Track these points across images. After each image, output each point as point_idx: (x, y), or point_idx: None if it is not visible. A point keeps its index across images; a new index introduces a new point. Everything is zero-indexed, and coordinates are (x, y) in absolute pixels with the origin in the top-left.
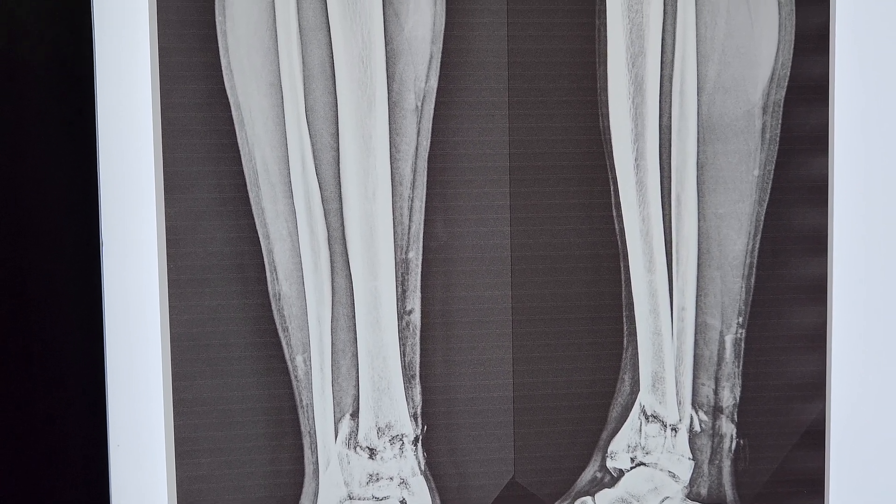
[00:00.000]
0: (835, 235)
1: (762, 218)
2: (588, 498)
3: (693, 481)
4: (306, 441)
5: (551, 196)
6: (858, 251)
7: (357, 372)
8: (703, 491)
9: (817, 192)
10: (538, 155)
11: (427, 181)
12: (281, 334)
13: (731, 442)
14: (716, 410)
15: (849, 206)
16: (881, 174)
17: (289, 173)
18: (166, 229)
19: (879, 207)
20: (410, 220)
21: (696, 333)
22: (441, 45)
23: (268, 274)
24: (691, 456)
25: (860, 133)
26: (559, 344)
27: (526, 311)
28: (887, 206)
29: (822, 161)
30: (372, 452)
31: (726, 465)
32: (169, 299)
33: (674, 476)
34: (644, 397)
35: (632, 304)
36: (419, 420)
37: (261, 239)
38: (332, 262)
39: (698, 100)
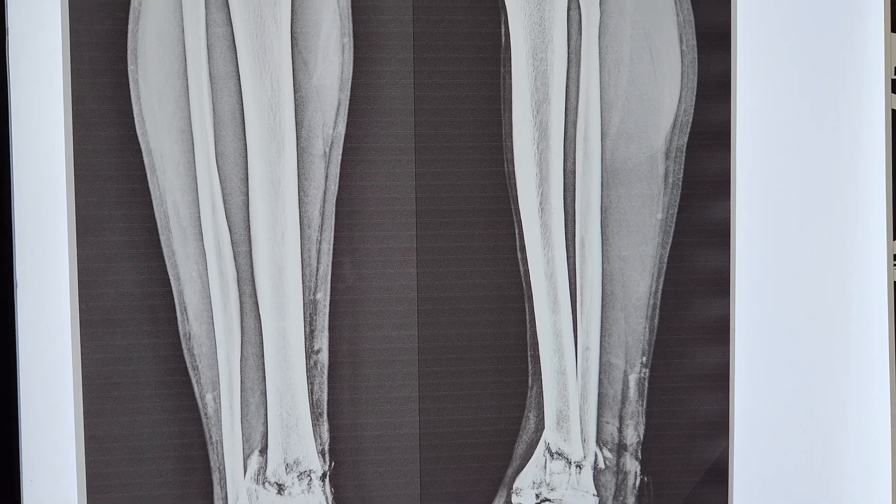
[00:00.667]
0: (737, 277)
1: (665, 260)
2: None
3: None
4: (215, 476)
5: (457, 239)
6: (760, 293)
7: (266, 409)
8: None
9: (719, 235)
10: (444, 199)
11: (335, 224)
12: (191, 373)
13: (636, 479)
14: (620, 448)
15: (750, 249)
16: (781, 218)
17: (199, 216)
18: (78, 271)
19: (780, 250)
20: (318, 261)
21: (600, 373)
22: (349, 93)
23: (178, 314)
24: (596, 492)
25: (761, 178)
26: (465, 383)
27: (432, 351)
28: (787, 249)
29: (724, 205)
30: (280, 488)
31: (630, 501)
32: (81, 339)
33: None
34: (549, 435)
35: (536, 344)
36: (327, 456)
37: (171, 280)
38: (241, 302)
39: (602, 145)
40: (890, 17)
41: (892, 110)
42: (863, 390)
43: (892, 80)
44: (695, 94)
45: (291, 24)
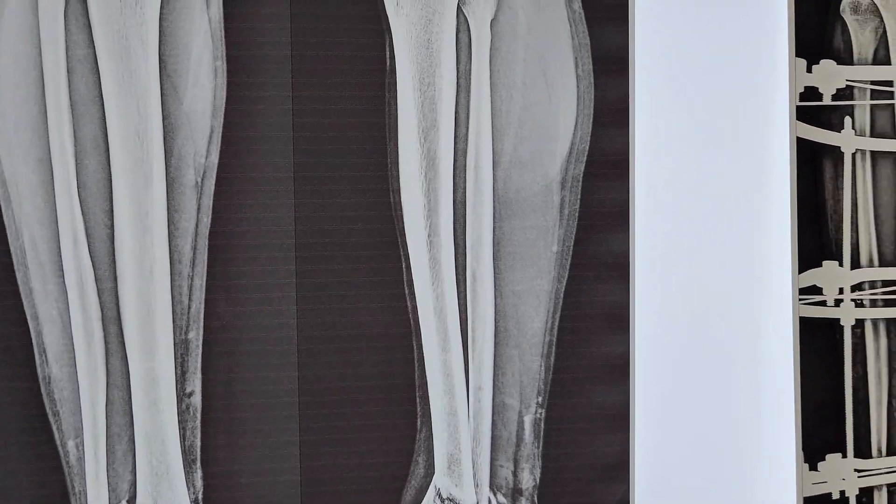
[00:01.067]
0: (637, 312)
1: (561, 295)
2: None
3: None
4: None
5: (339, 274)
6: (661, 328)
7: (134, 456)
8: None
9: (618, 268)
10: (326, 231)
11: (208, 259)
12: (51, 419)
13: None
14: (515, 493)
15: (650, 282)
16: (682, 250)
17: (59, 251)
18: None
19: (681, 283)
20: (190, 298)
21: (493, 414)
22: (222, 119)
23: (36, 356)
24: None
25: (660, 209)
26: (349, 426)
27: (313, 393)
28: (689, 283)
29: (623, 237)
30: None
31: None
32: None
33: None
34: (439, 480)
35: (426, 384)
36: None
37: (28, 320)
38: (106, 342)
39: (494, 174)
40: (795, 40)
41: (797, 138)
42: (770, 424)
43: (797, 107)
44: (591, 120)
45: (159, 46)
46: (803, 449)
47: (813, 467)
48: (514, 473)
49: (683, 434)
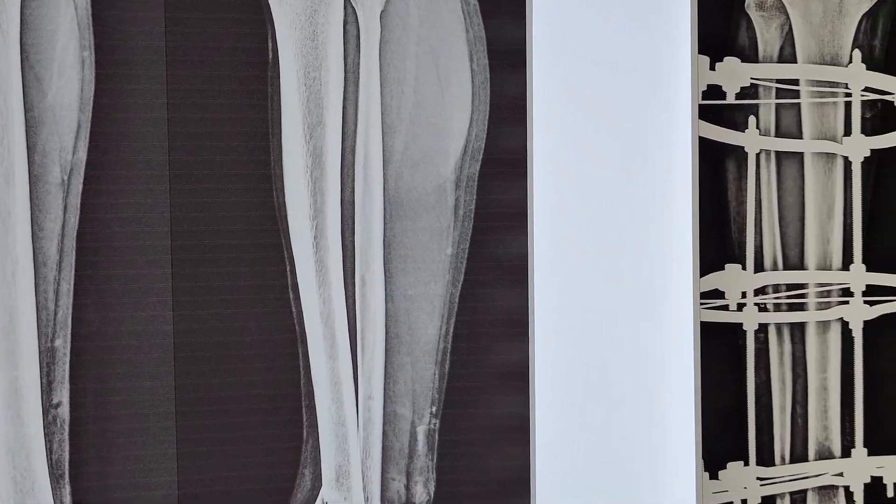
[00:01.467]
0: (536, 318)
1: (456, 299)
2: None
3: None
4: None
5: (219, 277)
6: (562, 335)
7: None
8: None
9: (516, 272)
10: (204, 233)
11: (76, 262)
12: None
13: None
14: None
15: (550, 286)
16: (583, 252)
17: None
18: None
19: (582, 287)
20: (57, 304)
21: (384, 424)
22: (90, 114)
23: None
24: None
25: (560, 209)
26: (231, 437)
27: (192, 403)
28: (590, 286)
29: (521, 239)
30: None
31: None
32: None
33: None
34: (327, 493)
35: (312, 392)
36: None
37: None
38: None
39: (384, 173)
40: (697, 37)
41: (700, 137)
42: (671, 432)
43: (700, 105)
44: (487, 117)
45: (21, 34)
46: (704, 457)
47: (714, 476)
48: (407, 487)
49: (584, 445)
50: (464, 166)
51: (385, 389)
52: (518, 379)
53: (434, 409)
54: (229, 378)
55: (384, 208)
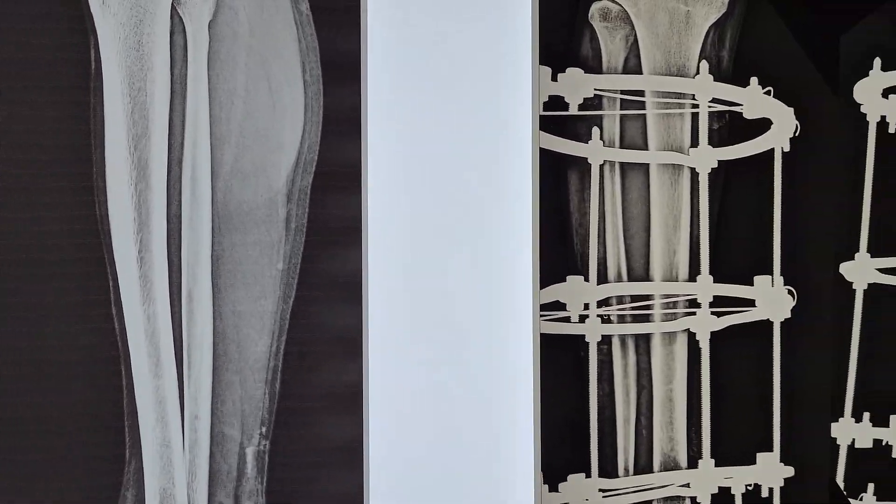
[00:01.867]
0: (370, 336)
1: (287, 316)
2: None
3: None
4: None
5: (38, 294)
6: (397, 354)
7: None
8: None
9: (350, 288)
10: (21, 247)
11: None
12: None
13: None
14: None
15: (386, 304)
16: (421, 268)
17: None
18: None
19: (419, 305)
20: None
21: (212, 445)
22: None
23: None
24: None
25: (396, 223)
26: (49, 458)
27: (9, 422)
28: (428, 304)
29: (355, 254)
30: None
31: None
32: None
33: None
34: None
35: (135, 412)
36: None
37: None
38: None
39: (213, 186)
40: (539, 48)
41: (541, 148)
42: (511, 446)
43: (542, 116)
44: (321, 129)
45: None
46: (545, 469)
47: (553, 488)
48: None
49: (420, 463)
50: (296, 179)
51: (213, 409)
52: (351, 398)
53: (264, 429)
54: (46, 398)
55: (213, 222)
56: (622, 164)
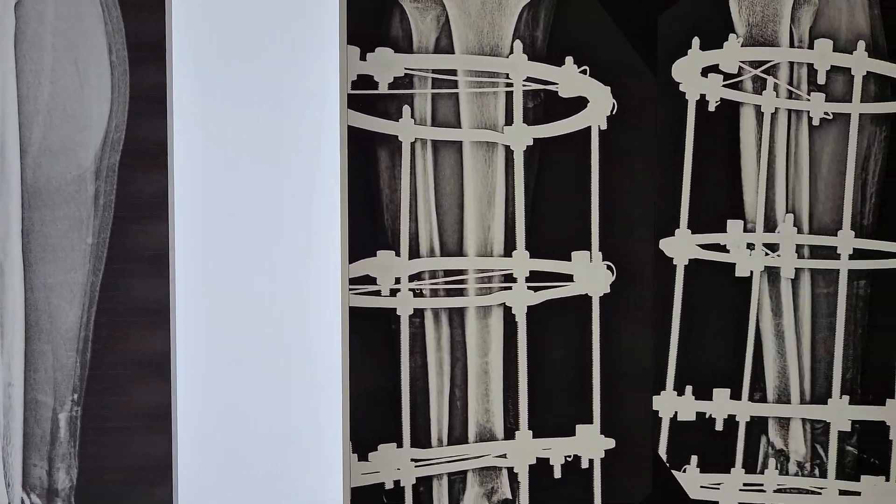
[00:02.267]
0: (177, 307)
1: (98, 289)
2: None
3: None
4: None
5: None
6: (203, 324)
7: None
8: None
9: (157, 262)
10: None
11: None
12: None
13: None
14: (50, 493)
15: (191, 276)
16: (226, 242)
17: None
18: None
19: (225, 277)
20: None
21: (25, 411)
22: None
23: None
24: None
25: (203, 199)
26: None
27: None
28: (233, 275)
29: (162, 229)
30: None
31: None
32: None
33: None
34: None
35: None
36: None
37: None
38: None
39: (22, 163)
40: (347, 27)
41: (350, 126)
42: (321, 417)
43: (351, 95)
44: (127, 108)
45: None
46: (355, 439)
47: (363, 457)
48: (49, 473)
49: (230, 432)
50: (104, 157)
51: (25, 377)
52: (160, 367)
53: (76, 396)
54: None
55: (22, 197)
56: (434, 142)
